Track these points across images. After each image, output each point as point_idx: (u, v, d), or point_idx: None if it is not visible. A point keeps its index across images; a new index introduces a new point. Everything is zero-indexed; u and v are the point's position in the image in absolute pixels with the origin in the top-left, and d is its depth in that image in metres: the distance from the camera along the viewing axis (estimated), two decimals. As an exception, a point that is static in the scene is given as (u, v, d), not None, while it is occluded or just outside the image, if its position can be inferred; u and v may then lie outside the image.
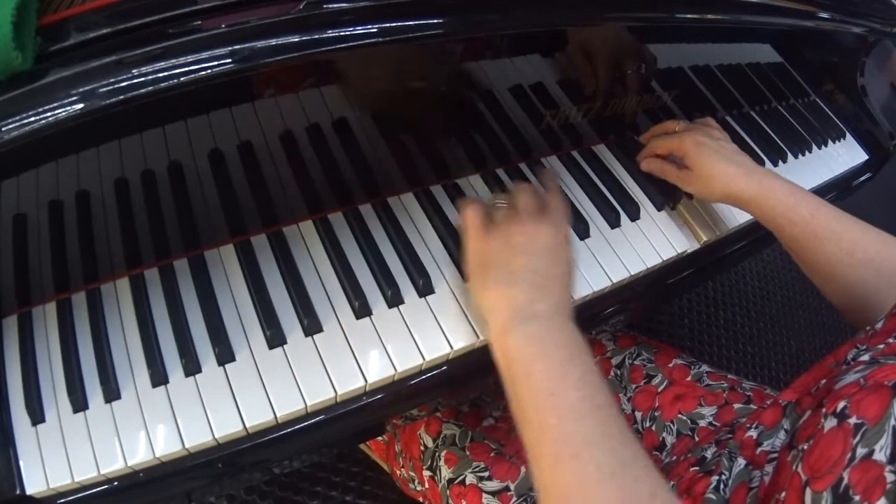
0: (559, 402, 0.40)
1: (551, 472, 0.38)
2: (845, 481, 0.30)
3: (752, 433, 0.47)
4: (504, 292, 0.46)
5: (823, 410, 0.35)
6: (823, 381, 0.41)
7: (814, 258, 0.55)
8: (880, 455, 0.30)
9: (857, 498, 0.30)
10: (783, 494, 0.35)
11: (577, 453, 0.37)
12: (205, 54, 0.36)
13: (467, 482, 0.62)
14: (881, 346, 0.38)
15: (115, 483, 0.43)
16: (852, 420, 0.33)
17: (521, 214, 0.50)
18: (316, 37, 0.38)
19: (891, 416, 0.31)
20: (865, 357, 0.38)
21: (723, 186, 0.58)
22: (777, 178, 0.58)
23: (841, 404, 0.34)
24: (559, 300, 0.46)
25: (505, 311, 0.45)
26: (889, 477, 0.29)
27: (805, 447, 0.35)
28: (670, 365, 0.70)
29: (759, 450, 0.45)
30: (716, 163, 0.59)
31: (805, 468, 0.34)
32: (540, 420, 0.40)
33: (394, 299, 0.51)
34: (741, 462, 0.46)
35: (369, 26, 0.40)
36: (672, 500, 0.36)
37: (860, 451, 0.31)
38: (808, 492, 0.32)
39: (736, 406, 0.63)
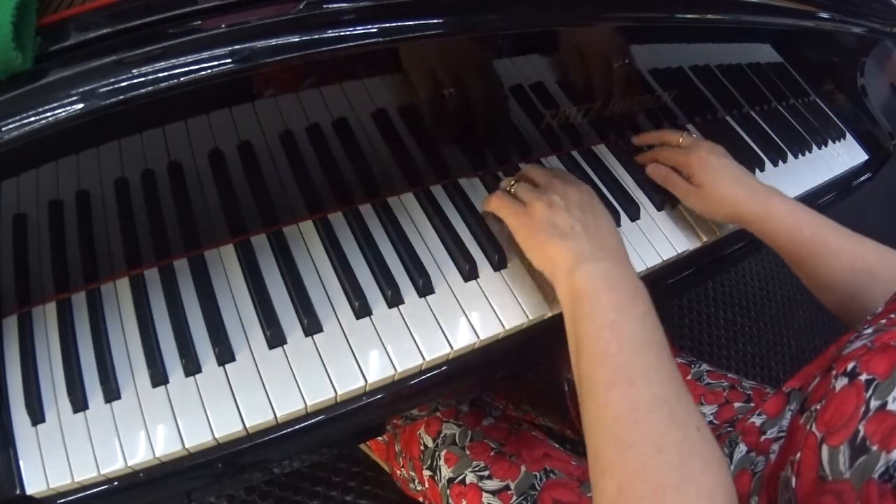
0: (622, 332, 0.41)
1: (605, 396, 0.39)
2: (861, 433, 0.31)
3: (756, 420, 0.48)
4: (566, 244, 0.48)
5: (834, 372, 0.36)
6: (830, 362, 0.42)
7: (815, 272, 0.57)
8: (893, 405, 0.31)
9: (874, 448, 0.30)
10: (798, 455, 0.36)
11: (634, 380, 0.39)
12: (205, 54, 0.36)
13: (467, 481, 0.62)
14: (883, 322, 0.39)
15: (115, 483, 0.43)
16: (863, 376, 0.34)
17: (543, 182, 0.53)
18: (316, 37, 0.38)
19: None
20: (869, 330, 0.39)
21: (729, 209, 0.59)
22: (779, 198, 0.59)
23: (850, 364, 0.35)
24: (617, 247, 0.49)
25: (572, 257, 0.47)
26: None
27: (818, 407, 0.36)
28: (670, 364, 0.70)
29: (763, 437, 0.46)
30: (724, 185, 0.60)
31: (819, 426, 0.35)
32: (601, 349, 0.41)
33: (394, 299, 0.51)
34: (743, 448, 0.46)
35: (369, 26, 0.40)
36: (713, 438, 0.37)
37: (874, 404, 0.32)
38: (825, 448, 0.33)
39: (736, 405, 0.63)
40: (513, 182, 0.55)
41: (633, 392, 0.38)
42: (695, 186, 0.61)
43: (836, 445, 0.32)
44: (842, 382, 0.35)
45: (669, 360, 0.41)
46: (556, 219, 0.49)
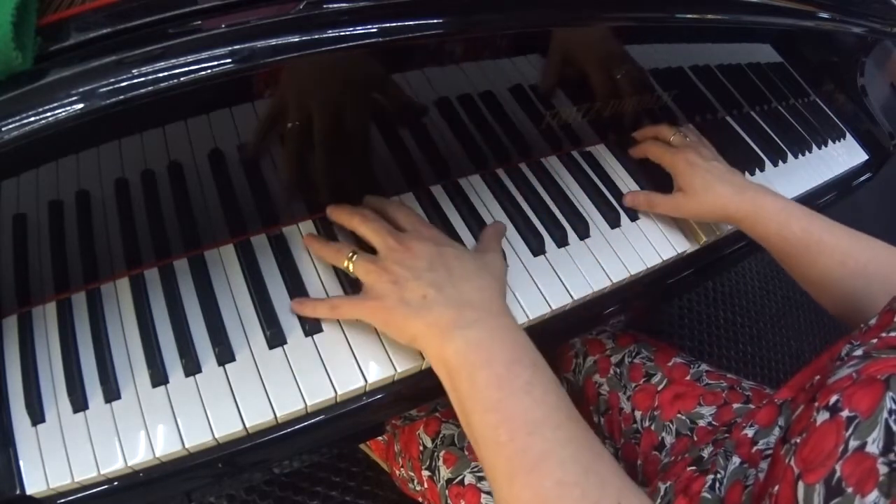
0: (509, 413, 0.38)
1: (508, 490, 0.36)
2: (838, 474, 0.30)
3: (748, 432, 0.47)
4: (424, 320, 0.43)
5: (816, 404, 0.35)
6: (818, 378, 0.41)
7: (807, 270, 0.56)
8: (873, 447, 0.30)
9: (849, 490, 0.29)
10: (776, 488, 0.35)
11: (533, 468, 0.36)
12: (205, 54, 0.36)
13: (466, 482, 0.62)
14: (874, 341, 0.38)
15: (115, 483, 0.43)
16: (845, 413, 0.32)
17: (380, 247, 0.47)
18: (316, 37, 0.38)
19: (883, 408, 0.31)
20: (858, 352, 0.38)
21: (716, 206, 0.59)
22: (769, 195, 0.58)
23: (833, 398, 0.34)
24: (482, 299, 0.44)
25: (436, 332, 0.42)
26: (881, 469, 0.29)
27: (798, 441, 0.35)
28: (670, 364, 0.70)
29: (755, 448, 0.45)
30: (709, 183, 0.59)
31: (798, 461, 0.34)
32: (491, 437, 0.38)
33: (394, 299, 0.51)
34: (736, 460, 0.46)
35: (369, 26, 0.40)
36: (642, 499, 0.35)
37: (853, 444, 0.31)
38: (801, 484, 0.32)
39: (735, 406, 0.63)
40: (350, 257, 0.48)
41: (536, 480, 0.35)
42: (680, 191, 0.61)
43: (812, 483, 0.31)
44: (823, 416, 0.34)
45: (570, 425, 0.37)
46: (406, 293, 0.44)
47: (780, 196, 0.58)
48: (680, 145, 0.65)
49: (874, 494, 0.28)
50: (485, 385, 0.39)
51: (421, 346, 0.44)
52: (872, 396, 0.32)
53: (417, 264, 0.45)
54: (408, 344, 0.45)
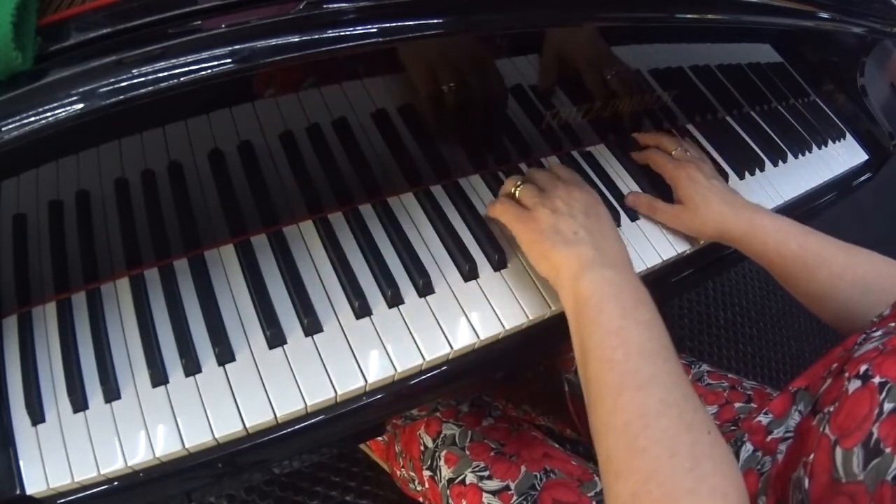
0: (628, 339, 0.41)
1: (614, 401, 0.39)
2: (875, 435, 0.31)
3: (762, 419, 0.48)
4: (570, 251, 0.48)
5: (846, 374, 0.36)
6: (835, 366, 0.42)
7: (806, 285, 0.56)
8: None
9: (888, 450, 0.30)
10: (811, 457, 0.36)
11: (642, 385, 0.39)
12: (205, 54, 0.36)
13: (467, 482, 0.62)
14: (893, 324, 0.39)
15: (115, 483, 0.43)
16: (876, 379, 0.34)
17: (547, 185, 0.53)
18: (316, 37, 0.38)
19: None
20: (878, 332, 0.39)
21: (715, 225, 0.59)
22: (765, 214, 0.59)
23: (863, 367, 0.35)
24: (620, 253, 0.49)
25: (576, 263, 0.47)
26: None
27: (831, 409, 0.36)
28: (671, 364, 0.70)
29: (770, 437, 0.46)
30: (708, 201, 0.60)
31: (833, 428, 0.35)
32: (607, 355, 0.41)
33: (394, 299, 0.51)
34: (749, 448, 0.46)
35: (369, 26, 0.40)
36: (723, 441, 0.37)
37: (887, 406, 0.32)
38: (839, 450, 0.33)
39: (736, 405, 0.63)
40: (517, 184, 0.54)
41: (641, 397, 0.38)
42: (679, 204, 0.62)
43: (850, 448, 0.32)
44: (855, 385, 0.35)
45: (676, 364, 0.41)
46: (560, 224, 0.49)
47: (777, 215, 0.59)
48: (682, 159, 0.65)
49: None
50: (610, 313, 0.43)
51: (559, 272, 0.48)
52: None
53: (575, 206, 0.51)
54: (543, 271, 0.50)
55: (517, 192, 0.54)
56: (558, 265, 0.48)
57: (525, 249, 0.52)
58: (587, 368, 0.43)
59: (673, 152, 0.66)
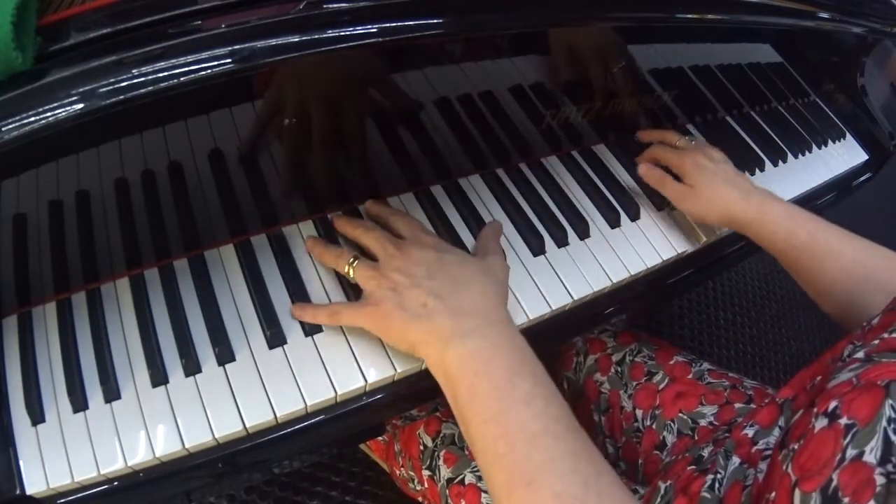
0: (509, 426, 0.38)
1: (508, 501, 0.36)
2: (834, 483, 0.30)
3: (749, 431, 0.47)
4: (424, 329, 0.43)
5: (815, 410, 0.35)
6: (819, 378, 0.41)
7: (813, 276, 0.56)
8: (870, 457, 0.29)
9: (846, 500, 0.29)
10: (773, 494, 0.34)
11: (532, 480, 0.35)
12: (205, 54, 0.36)
13: (466, 481, 0.62)
14: (876, 342, 0.37)
15: (115, 483, 0.43)
16: (843, 420, 0.32)
17: (379, 252, 0.47)
18: (316, 37, 0.38)
19: (882, 416, 0.30)
20: (860, 354, 0.37)
21: (723, 210, 0.58)
22: (775, 200, 0.58)
23: (832, 404, 0.33)
24: (483, 305, 0.44)
25: (433, 340, 0.42)
26: (879, 479, 0.28)
27: (796, 447, 0.35)
28: (671, 362, 0.70)
29: (755, 448, 0.45)
30: (716, 186, 0.59)
31: (795, 468, 0.33)
32: (490, 448, 0.38)
33: (394, 299, 0.51)
34: (736, 461, 0.46)
35: (369, 26, 0.40)
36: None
37: (850, 453, 0.30)
38: (798, 492, 0.32)
39: (737, 405, 0.63)
40: (351, 262, 0.48)
41: (534, 493, 0.35)
42: (688, 187, 0.61)
43: (809, 492, 0.31)
44: (821, 423, 0.33)
45: (570, 436, 0.37)
46: (406, 301, 0.44)
47: (786, 202, 0.58)
48: (687, 148, 0.65)
49: None
50: (485, 396, 0.39)
51: (421, 353, 0.44)
52: (872, 403, 0.31)
53: (417, 271, 0.45)
54: (408, 351, 0.45)
55: (352, 274, 0.48)
56: (416, 345, 0.43)
57: (383, 339, 0.47)
58: (476, 457, 0.39)
59: (677, 142, 0.66)
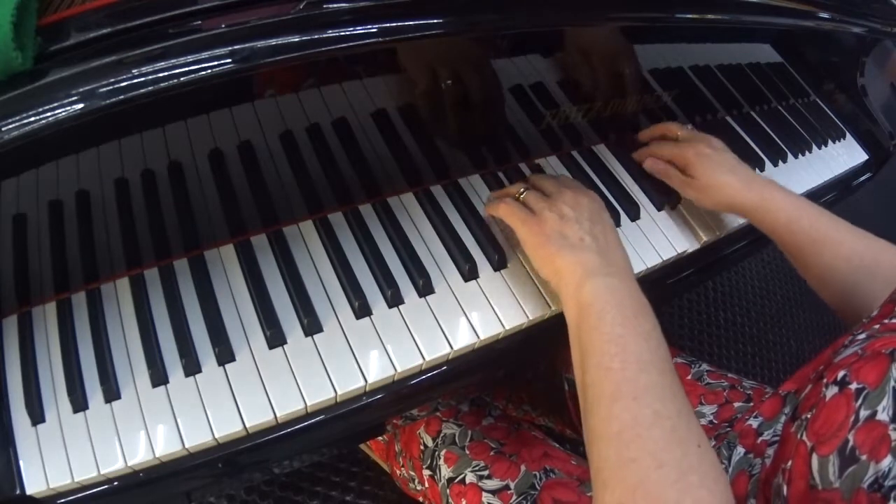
0: (627, 348, 0.42)
1: (609, 409, 0.39)
2: (851, 442, 0.32)
3: (752, 423, 0.48)
4: (575, 257, 0.48)
5: (824, 381, 0.36)
6: (822, 368, 0.42)
7: (813, 263, 0.57)
8: (883, 415, 0.31)
9: (863, 458, 0.31)
10: (789, 463, 0.36)
11: (638, 396, 0.39)
12: (205, 54, 0.36)
13: (467, 481, 0.62)
14: (876, 327, 0.39)
15: (115, 483, 0.43)
16: (853, 385, 0.34)
17: (553, 191, 0.53)
18: (316, 37, 0.38)
19: (890, 378, 0.32)
20: (862, 335, 0.39)
21: (725, 197, 0.59)
22: (778, 188, 0.59)
23: (841, 373, 0.35)
24: (625, 262, 0.49)
25: (580, 270, 0.47)
26: (893, 435, 0.30)
27: (808, 416, 0.36)
28: (671, 364, 0.70)
29: (760, 439, 0.46)
30: (718, 174, 0.60)
31: (810, 435, 0.35)
32: (605, 363, 0.41)
33: (394, 299, 0.51)
34: (740, 451, 0.46)
35: (369, 26, 0.40)
36: (713, 454, 0.37)
37: (863, 413, 0.32)
38: (815, 457, 0.33)
39: (736, 405, 0.63)
40: (522, 189, 0.54)
41: (636, 407, 0.38)
42: (691, 177, 0.62)
43: (826, 455, 0.33)
44: (832, 391, 0.35)
45: (673, 376, 0.41)
46: (567, 230, 0.49)
47: (789, 191, 0.59)
48: (689, 138, 0.65)
49: (888, 460, 0.30)
50: (611, 321, 0.43)
51: (561, 278, 0.48)
52: (879, 369, 0.33)
53: (582, 213, 0.51)
54: (546, 276, 0.50)
55: (523, 196, 0.54)
56: (562, 270, 0.48)
57: (529, 253, 0.51)
58: (585, 375, 0.43)
59: (679, 134, 0.66)
